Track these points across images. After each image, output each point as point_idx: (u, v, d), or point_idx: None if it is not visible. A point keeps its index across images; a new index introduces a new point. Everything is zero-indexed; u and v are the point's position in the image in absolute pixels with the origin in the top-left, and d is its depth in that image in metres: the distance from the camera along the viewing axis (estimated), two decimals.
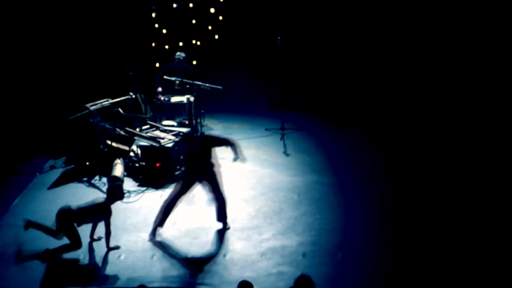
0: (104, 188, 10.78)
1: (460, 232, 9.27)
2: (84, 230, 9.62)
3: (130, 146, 11.46)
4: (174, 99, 12.55)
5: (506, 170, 10.93)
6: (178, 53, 12.77)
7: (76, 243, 8.92)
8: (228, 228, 9.54)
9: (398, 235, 9.33)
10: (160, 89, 12.62)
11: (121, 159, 11.25)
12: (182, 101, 12.48)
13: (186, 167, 9.66)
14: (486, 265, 8.50)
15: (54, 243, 9.28)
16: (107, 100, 11.83)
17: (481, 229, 9.32)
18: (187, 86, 12.44)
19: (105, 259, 8.93)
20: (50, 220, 9.91)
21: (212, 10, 14.35)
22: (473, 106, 13.22)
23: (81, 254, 9.02)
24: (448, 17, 14.72)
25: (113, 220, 9.84)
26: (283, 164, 11.58)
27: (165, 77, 12.51)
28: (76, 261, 8.91)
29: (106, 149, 11.42)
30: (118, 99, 11.91)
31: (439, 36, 14.78)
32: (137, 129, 11.70)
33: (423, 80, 14.41)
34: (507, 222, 9.47)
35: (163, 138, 11.26)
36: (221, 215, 9.56)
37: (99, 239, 9.30)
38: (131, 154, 11.33)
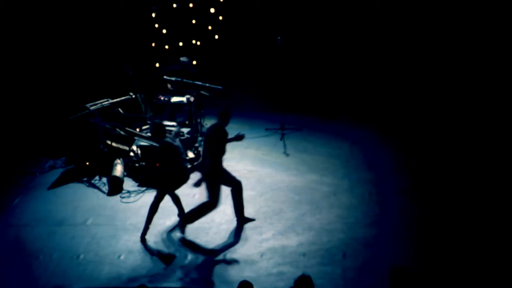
0: (104, 188, 10.80)
1: (471, 231, 9.27)
2: (87, 229, 9.64)
3: (130, 146, 11.46)
4: (174, 99, 12.54)
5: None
6: (181, 58, 12.77)
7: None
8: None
9: (398, 234, 9.33)
10: (169, 85, 12.58)
11: (121, 159, 11.26)
12: (182, 101, 12.47)
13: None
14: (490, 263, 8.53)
15: (56, 242, 9.31)
16: (107, 100, 11.83)
17: (482, 226, 9.34)
18: (186, 89, 12.43)
19: (105, 259, 8.93)
20: (50, 220, 9.96)
21: (212, 10, 14.34)
22: (473, 105, 13.22)
23: (81, 254, 9.03)
24: (448, 16, 14.71)
25: (113, 220, 9.90)
26: (283, 164, 11.57)
27: (165, 77, 12.51)
28: (75, 261, 8.91)
29: (106, 149, 11.42)
30: (118, 99, 11.91)
31: (439, 35, 14.79)
32: (137, 129, 11.70)
33: (423, 79, 14.39)
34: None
35: None
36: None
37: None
38: (131, 154, 11.33)
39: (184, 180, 9.50)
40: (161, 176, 9.36)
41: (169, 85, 12.60)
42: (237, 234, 9.47)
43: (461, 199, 10.08)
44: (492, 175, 10.69)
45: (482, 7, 14.40)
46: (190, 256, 8.99)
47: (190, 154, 11.52)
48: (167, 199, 10.48)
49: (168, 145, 9.33)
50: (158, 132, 9.41)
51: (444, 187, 10.51)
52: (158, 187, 9.50)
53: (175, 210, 10.05)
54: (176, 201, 9.61)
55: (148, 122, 12.05)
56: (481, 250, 8.82)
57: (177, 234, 9.49)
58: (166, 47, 14.23)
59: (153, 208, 9.39)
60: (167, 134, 9.45)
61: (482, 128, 12.35)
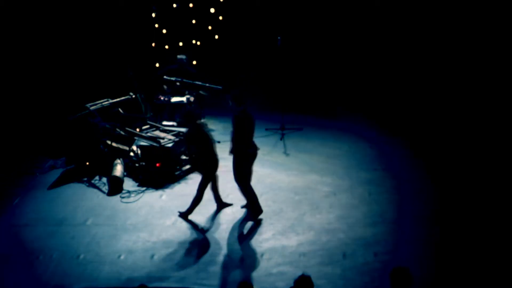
0: (104, 188, 10.80)
1: (474, 231, 9.27)
2: (87, 229, 9.64)
3: (130, 146, 11.47)
4: (174, 99, 12.55)
5: None
6: (179, 56, 12.75)
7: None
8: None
9: (399, 234, 9.33)
10: (165, 87, 12.60)
11: (121, 159, 11.26)
12: (182, 101, 12.48)
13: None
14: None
15: (56, 242, 9.31)
16: (107, 100, 11.83)
17: (486, 226, 9.34)
18: (185, 89, 12.46)
19: (105, 259, 8.93)
20: (50, 220, 9.96)
21: (212, 10, 14.35)
22: (475, 104, 13.25)
23: (81, 254, 9.03)
24: (449, 14, 14.72)
25: (113, 220, 9.90)
26: (283, 164, 11.57)
27: (165, 77, 12.52)
28: (75, 261, 8.91)
29: (106, 149, 11.43)
30: (118, 99, 11.92)
31: (439, 35, 14.79)
32: (137, 129, 11.70)
33: (423, 77, 14.42)
34: None
35: (163, 138, 11.27)
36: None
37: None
38: (131, 154, 11.34)
39: (214, 167, 9.70)
40: (197, 163, 9.74)
41: (165, 86, 12.60)
42: (237, 234, 9.47)
43: (465, 199, 10.09)
44: (497, 176, 10.70)
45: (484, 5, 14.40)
46: (190, 256, 8.98)
47: None
48: (166, 199, 10.51)
49: (191, 133, 9.64)
50: (187, 119, 9.67)
51: (446, 186, 10.52)
52: (201, 172, 9.74)
53: (175, 210, 10.07)
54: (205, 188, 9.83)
55: (148, 122, 12.06)
56: (486, 250, 8.82)
57: (176, 234, 9.49)
58: (166, 47, 14.23)
59: (200, 194, 9.73)
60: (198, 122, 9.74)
61: (486, 128, 12.37)
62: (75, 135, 11.91)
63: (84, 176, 11.20)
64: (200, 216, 9.93)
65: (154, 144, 11.13)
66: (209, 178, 9.71)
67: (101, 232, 9.55)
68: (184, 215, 9.80)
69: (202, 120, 10.24)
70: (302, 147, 12.24)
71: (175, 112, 12.83)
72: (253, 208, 9.75)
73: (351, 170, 11.24)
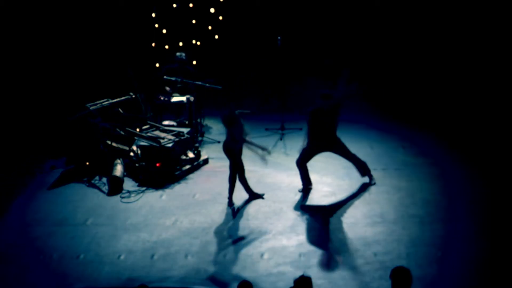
0: (104, 188, 10.80)
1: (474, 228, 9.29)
2: (87, 229, 9.65)
3: (130, 146, 11.47)
4: (174, 99, 12.56)
5: None
6: (178, 53, 12.75)
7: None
8: (374, 183, 10.55)
9: (398, 234, 9.32)
10: (168, 88, 12.61)
11: (121, 159, 11.26)
12: (182, 101, 12.48)
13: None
14: None
15: (56, 242, 9.31)
16: (107, 100, 11.83)
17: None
18: (187, 88, 12.48)
19: (105, 259, 8.93)
20: (50, 220, 9.96)
21: (212, 10, 14.35)
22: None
23: (81, 254, 9.03)
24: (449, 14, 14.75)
25: (113, 220, 9.91)
26: (283, 164, 11.58)
27: (165, 77, 12.52)
28: (75, 261, 8.92)
29: (106, 149, 11.43)
30: (118, 99, 11.91)
31: (439, 35, 14.81)
32: (137, 129, 11.71)
33: (421, 77, 14.44)
34: None
35: (163, 138, 11.27)
36: (364, 171, 10.60)
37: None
38: (131, 154, 11.34)
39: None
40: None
41: (167, 88, 12.61)
42: (237, 234, 9.47)
43: (467, 197, 10.11)
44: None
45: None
46: (190, 256, 8.99)
47: (190, 154, 11.53)
48: (166, 199, 10.52)
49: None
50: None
51: (446, 185, 10.52)
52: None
53: (174, 210, 10.07)
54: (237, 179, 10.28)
55: (148, 122, 12.06)
56: (488, 251, 8.83)
57: (176, 234, 9.49)
58: (166, 47, 14.23)
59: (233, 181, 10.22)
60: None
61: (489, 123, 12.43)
62: (75, 135, 11.92)
63: (84, 176, 11.20)
64: (200, 215, 9.94)
65: (154, 144, 11.14)
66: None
67: (101, 232, 9.56)
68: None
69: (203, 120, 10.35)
70: (302, 147, 12.21)
71: (179, 111, 12.82)
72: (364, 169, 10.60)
73: (351, 170, 11.23)
